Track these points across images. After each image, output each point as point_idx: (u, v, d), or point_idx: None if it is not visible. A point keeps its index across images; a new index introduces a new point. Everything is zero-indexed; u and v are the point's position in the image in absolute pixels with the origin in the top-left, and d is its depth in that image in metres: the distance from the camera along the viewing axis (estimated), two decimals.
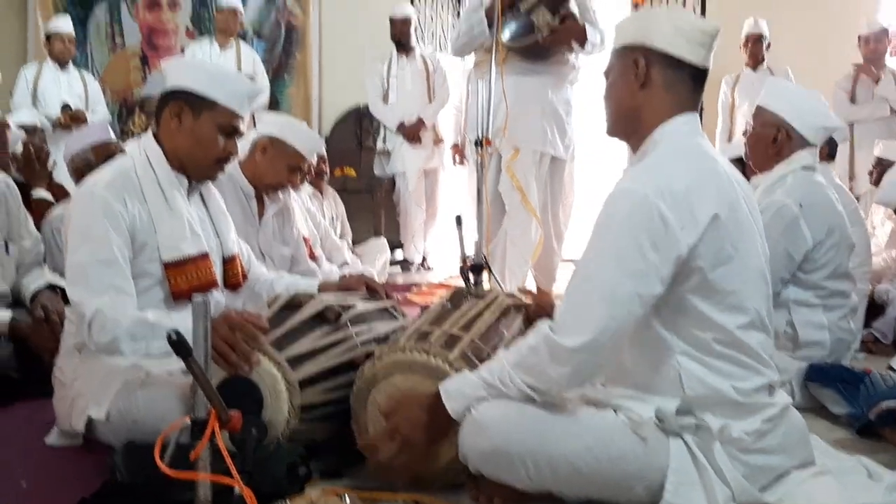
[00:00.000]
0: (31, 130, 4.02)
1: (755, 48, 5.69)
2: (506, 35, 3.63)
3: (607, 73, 1.70)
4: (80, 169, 3.04)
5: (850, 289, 2.59)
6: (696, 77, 1.62)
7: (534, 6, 3.60)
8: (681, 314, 1.53)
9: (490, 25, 3.58)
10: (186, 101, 2.00)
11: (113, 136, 3.27)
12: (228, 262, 2.20)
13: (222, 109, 2.01)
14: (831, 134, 2.66)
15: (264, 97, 5.85)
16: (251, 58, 5.94)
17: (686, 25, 1.58)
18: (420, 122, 5.77)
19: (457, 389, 1.59)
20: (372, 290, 2.26)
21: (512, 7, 3.61)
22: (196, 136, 2.01)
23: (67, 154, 3.18)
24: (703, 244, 1.47)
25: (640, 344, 1.58)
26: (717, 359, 1.53)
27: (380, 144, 6.03)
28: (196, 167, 2.06)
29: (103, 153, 2.99)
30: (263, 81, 5.90)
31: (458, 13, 6.30)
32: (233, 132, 2.05)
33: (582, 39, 3.65)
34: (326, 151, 4.78)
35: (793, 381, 2.42)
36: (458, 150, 5.67)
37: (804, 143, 2.56)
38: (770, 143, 2.57)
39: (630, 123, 1.65)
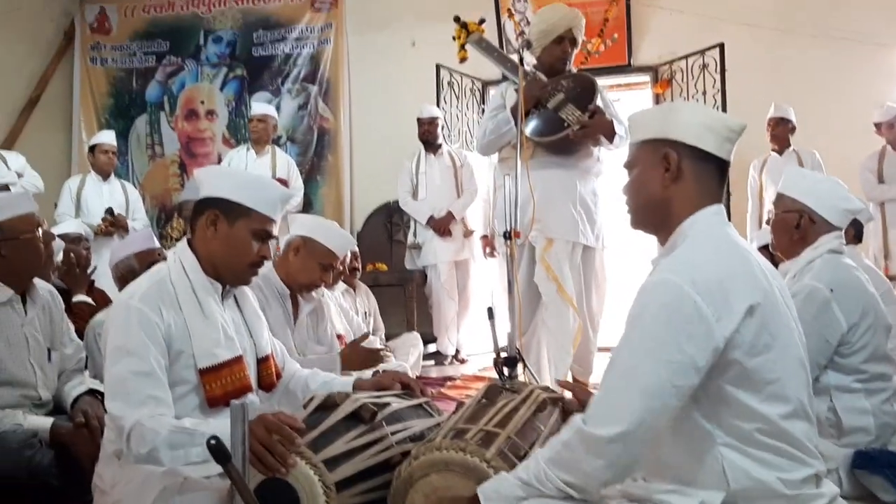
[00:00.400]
0: (75, 239, 4.17)
1: (777, 131, 5.76)
2: (531, 130, 3.74)
3: (630, 166, 1.71)
4: (124, 276, 3.13)
5: (891, 371, 2.53)
6: (721, 169, 1.65)
7: (561, 103, 3.70)
8: (721, 405, 1.50)
9: (516, 123, 3.68)
10: (221, 210, 2.06)
11: (157, 243, 3.36)
12: (262, 362, 2.22)
13: (256, 215, 2.07)
14: (855, 216, 2.66)
15: (298, 199, 6.01)
16: (286, 162, 6.12)
17: (715, 122, 1.62)
18: (449, 216, 5.86)
19: (494, 491, 1.57)
20: (406, 386, 2.27)
21: (537, 106, 3.72)
22: (231, 243, 2.07)
23: (112, 261, 3.28)
24: (739, 335, 1.46)
25: (681, 435, 1.54)
26: (761, 450, 1.49)
27: (410, 238, 6.12)
28: (231, 272, 2.11)
29: (146, 260, 3.07)
30: (298, 184, 6.07)
31: (483, 110, 6.49)
32: (266, 237, 2.11)
33: (610, 134, 3.74)
34: (358, 247, 4.87)
35: (839, 469, 2.34)
36: (488, 241, 5.74)
37: (828, 226, 2.56)
38: (793, 228, 2.58)
39: (659, 216, 1.66)
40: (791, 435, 1.50)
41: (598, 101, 3.77)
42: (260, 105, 6.34)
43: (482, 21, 4.05)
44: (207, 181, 2.14)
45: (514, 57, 3.80)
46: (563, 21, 3.84)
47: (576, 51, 3.98)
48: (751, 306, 1.47)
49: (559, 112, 3.69)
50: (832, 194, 2.59)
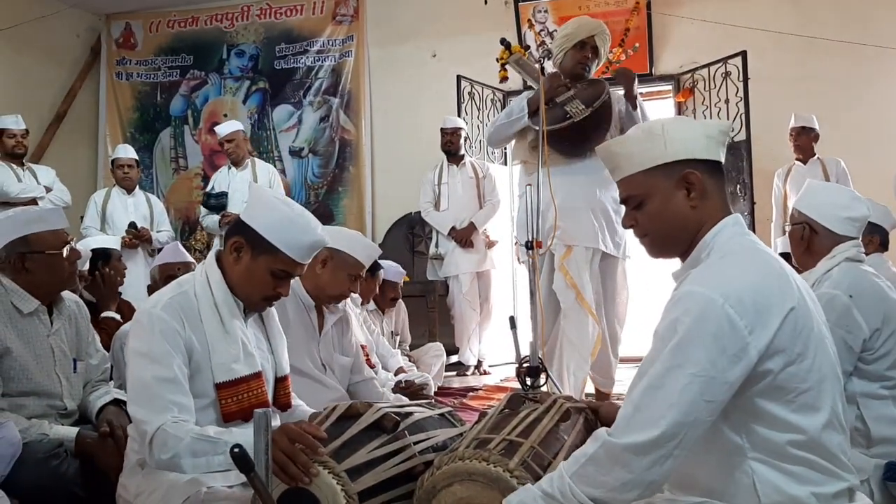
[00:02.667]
0: (118, 257, 4.17)
1: (800, 141, 5.71)
2: (535, 122, 3.79)
3: (640, 197, 1.63)
4: (150, 287, 3.19)
5: None
6: (723, 175, 1.65)
7: (569, 98, 3.76)
8: (752, 417, 1.47)
9: (530, 113, 3.77)
10: (248, 240, 2.05)
11: (180, 257, 3.40)
12: (281, 381, 2.22)
13: (281, 257, 2.04)
14: (861, 223, 2.62)
15: None
16: (266, 172, 6.02)
17: (711, 130, 1.60)
18: (471, 227, 5.86)
19: (520, 502, 1.55)
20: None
21: (548, 102, 3.76)
22: (250, 274, 2.06)
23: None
24: (772, 346, 1.43)
25: (709, 449, 1.51)
26: (793, 464, 1.45)
27: (432, 249, 6.12)
28: (245, 298, 2.11)
29: (165, 272, 3.13)
30: (278, 191, 5.93)
31: None
32: (286, 277, 2.09)
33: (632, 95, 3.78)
34: (380, 258, 4.86)
35: (870, 480, 2.30)
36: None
37: (834, 236, 2.55)
38: (798, 240, 2.61)
39: (687, 238, 1.61)
40: (825, 447, 1.46)
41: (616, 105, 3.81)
42: (222, 127, 6.10)
43: (527, 48, 4.11)
44: (252, 203, 2.13)
45: (536, 66, 3.84)
46: (586, 27, 3.90)
47: (599, 63, 3.99)
48: (784, 315, 1.44)
49: (565, 106, 3.73)
50: (831, 203, 2.58)
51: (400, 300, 5.18)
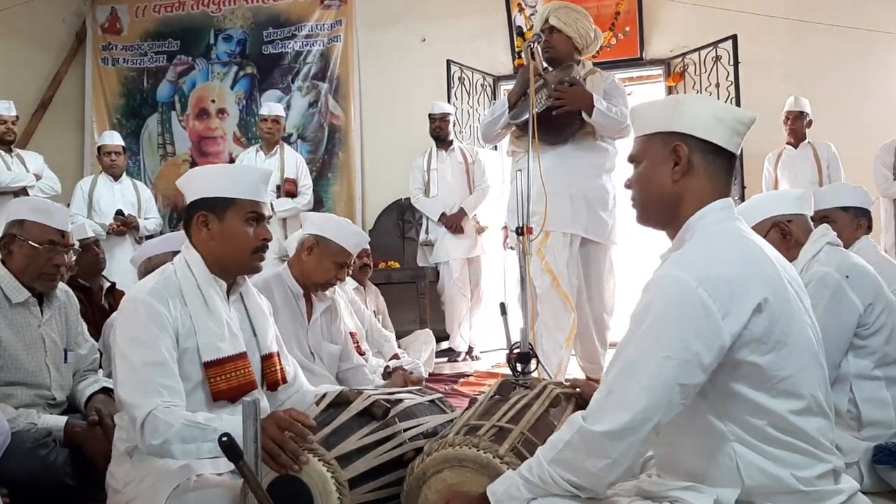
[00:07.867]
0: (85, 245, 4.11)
1: (794, 125, 5.72)
2: (512, 115, 3.84)
3: (637, 160, 1.68)
4: (143, 273, 3.17)
5: None
6: (730, 163, 1.62)
7: (539, 88, 3.79)
8: (731, 402, 1.47)
9: (510, 107, 3.80)
10: (207, 209, 2.07)
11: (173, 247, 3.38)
12: (266, 359, 2.20)
13: (241, 203, 2.07)
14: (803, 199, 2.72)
15: (308, 198, 6.00)
16: (294, 160, 6.06)
17: (724, 114, 1.59)
18: (461, 212, 5.85)
19: (504, 491, 1.56)
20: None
21: (525, 94, 3.78)
22: (227, 237, 2.07)
23: (145, 254, 3.34)
24: (748, 331, 1.43)
25: (693, 433, 1.52)
26: (774, 446, 1.46)
27: (422, 236, 6.11)
28: (236, 264, 2.11)
29: (156, 265, 3.11)
30: (307, 182, 6.02)
31: None
32: (259, 219, 2.11)
33: (588, 106, 3.70)
34: (370, 245, 4.85)
35: (860, 462, 2.32)
36: (509, 232, 5.71)
37: (803, 220, 2.63)
38: (783, 239, 2.61)
39: (668, 211, 1.63)
40: (804, 431, 1.47)
41: (595, 84, 3.81)
42: (272, 105, 6.21)
43: (539, 33, 4.09)
44: (187, 187, 2.15)
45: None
46: (542, 11, 3.92)
47: (583, 42, 3.91)
48: (759, 303, 1.44)
49: (536, 96, 3.73)
50: (779, 195, 2.75)
51: (377, 290, 5.16)
